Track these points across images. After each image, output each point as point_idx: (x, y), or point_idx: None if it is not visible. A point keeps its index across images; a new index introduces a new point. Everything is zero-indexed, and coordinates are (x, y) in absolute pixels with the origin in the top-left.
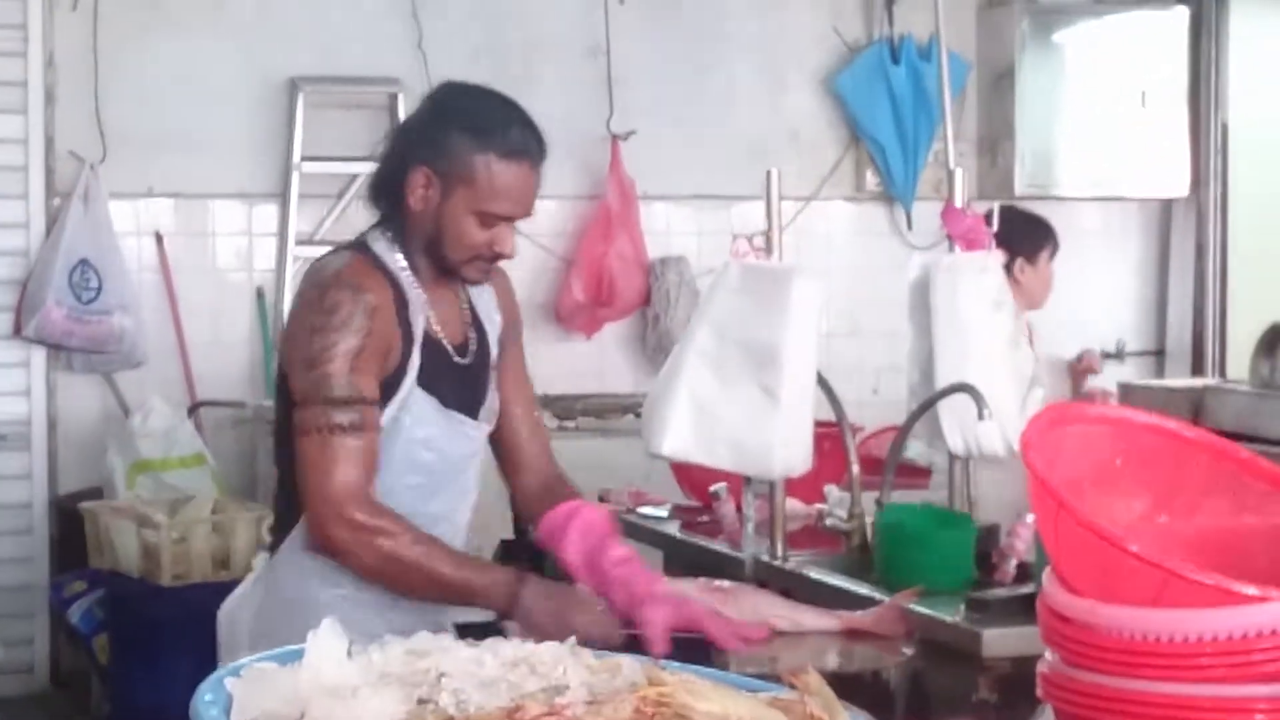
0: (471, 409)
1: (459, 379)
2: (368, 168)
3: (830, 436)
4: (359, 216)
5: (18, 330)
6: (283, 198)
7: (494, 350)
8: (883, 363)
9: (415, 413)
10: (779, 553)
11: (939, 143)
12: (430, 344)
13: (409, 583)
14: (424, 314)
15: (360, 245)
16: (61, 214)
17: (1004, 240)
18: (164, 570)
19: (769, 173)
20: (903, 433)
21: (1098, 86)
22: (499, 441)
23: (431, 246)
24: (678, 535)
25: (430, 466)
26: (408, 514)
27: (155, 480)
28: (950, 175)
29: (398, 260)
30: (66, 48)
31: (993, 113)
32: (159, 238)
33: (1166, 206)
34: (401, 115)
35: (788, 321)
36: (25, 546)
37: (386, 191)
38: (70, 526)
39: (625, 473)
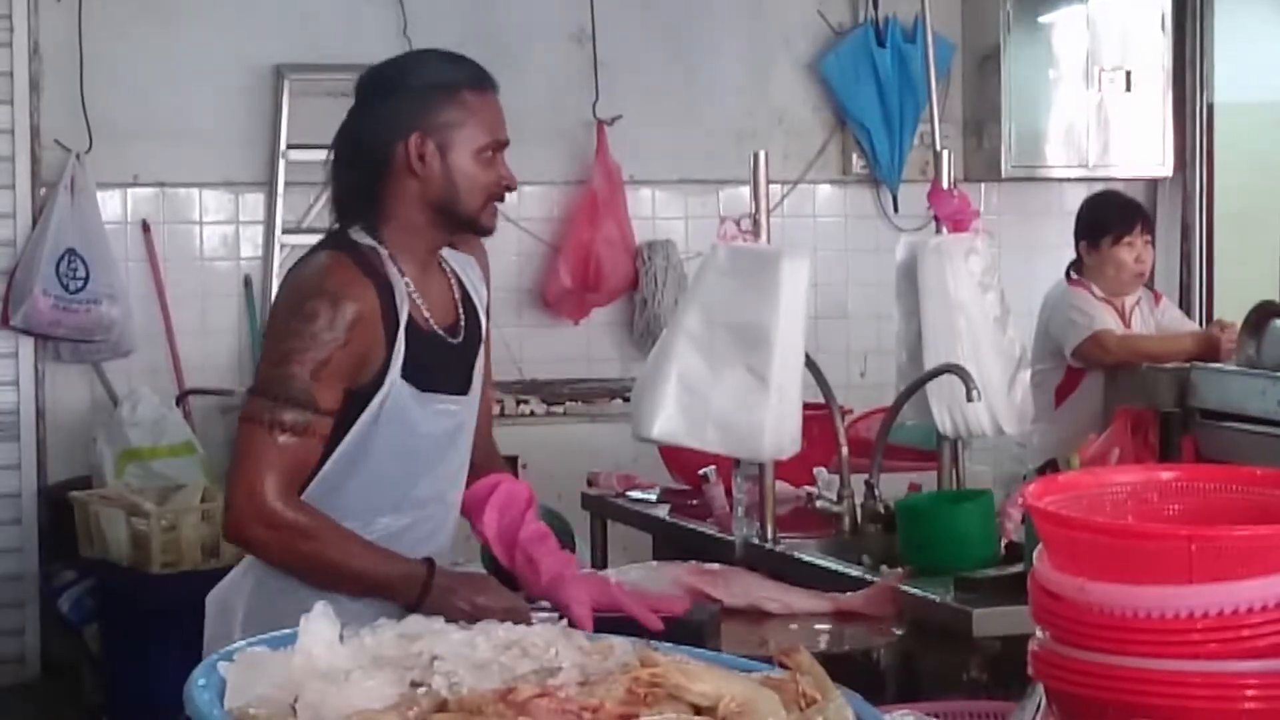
0: (459, 386)
1: (449, 360)
2: None
3: (819, 419)
4: None
5: (5, 320)
6: (269, 186)
7: (484, 322)
8: (870, 345)
9: (394, 402)
10: (769, 535)
11: (925, 125)
12: (416, 334)
13: (322, 579)
14: (408, 306)
15: (343, 241)
16: (48, 204)
17: (1077, 225)
18: (154, 559)
19: (756, 155)
20: (891, 414)
21: (1083, 67)
22: None
23: (445, 208)
24: (667, 518)
25: (414, 450)
26: (397, 500)
27: (144, 469)
28: (936, 157)
29: (381, 253)
30: (51, 37)
31: (978, 94)
32: (145, 227)
33: (1152, 187)
34: None
35: (776, 303)
36: (15, 536)
37: (360, 191)
38: (60, 516)
39: (614, 457)
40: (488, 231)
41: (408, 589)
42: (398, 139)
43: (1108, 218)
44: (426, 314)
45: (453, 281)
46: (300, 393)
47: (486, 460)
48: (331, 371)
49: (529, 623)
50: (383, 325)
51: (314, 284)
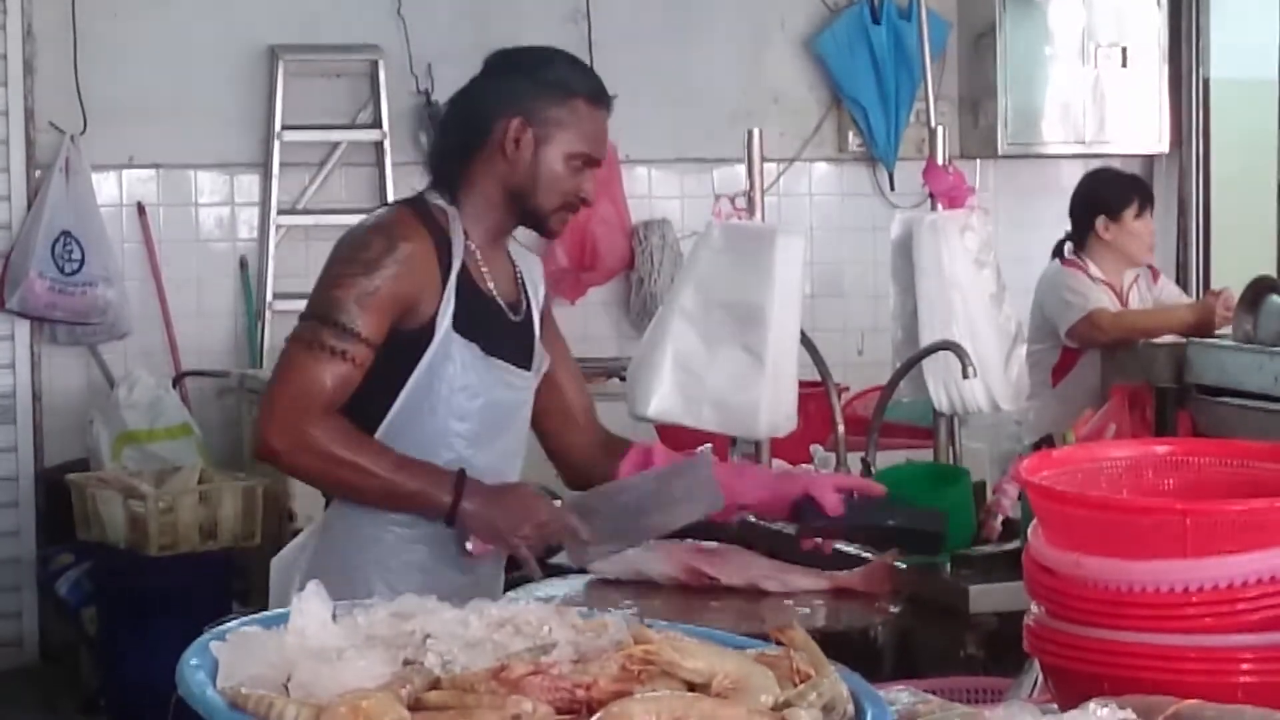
0: (521, 360)
1: (511, 334)
2: (349, 135)
3: (815, 397)
4: (341, 185)
5: (1, 303)
6: (264, 167)
7: (537, 314)
8: (867, 323)
9: (456, 359)
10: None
11: (921, 102)
12: (474, 294)
13: (347, 486)
14: (465, 264)
15: (413, 199)
16: (43, 186)
17: (1087, 203)
18: (151, 541)
19: (751, 132)
20: (887, 392)
21: (1079, 44)
22: (549, 407)
23: (520, 197)
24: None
25: (477, 414)
26: (457, 463)
27: (141, 451)
28: (932, 134)
29: (450, 212)
30: (45, 19)
31: (974, 71)
32: (141, 208)
33: (1148, 162)
34: (383, 83)
35: (771, 281)
36: (12, 519)
37: (453, 155)
38: (57, 499)
39: None
40: (553, 234)
41: (436, 496)
42: (501, 116)
43: (1132, 190)
44: (490, 283)
45: (517, 269)
46: (347, 318)
47: (611, 438)
48: (379, 302)
49: (565, 537)
50: (438, 274)
51: (372, 224)
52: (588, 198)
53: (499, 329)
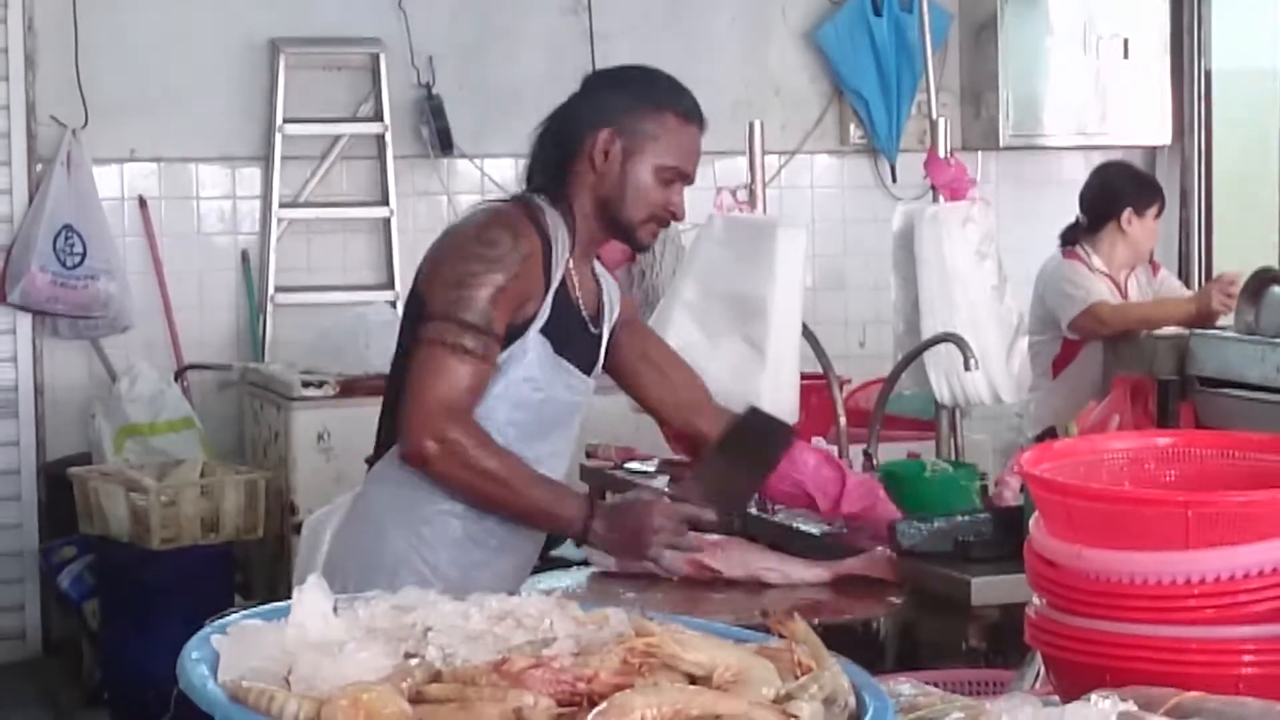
0: (586, 367)
1: (585, 342)
2: (351, 129)
3: (817, 389)
4: (342, 178)
5: (3, 297)
6: (266, 160)
7: (608, 331)
8: (868, 315)
9: (530, 352)
10: (767, 506)
11: (922, 94)
12: (565, 299)
13: (489, 498)
14: (563, 270)
15: (520, 198)
16: (44, 180)
17: (1113, 194)
18: (153, 534)
19: (752, 124)
20: (889, 384)
21: (1080, 35)
22: (672, 407)
23: (609, 208)
24: (666, 490)
25: (536, 408)
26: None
27: (143, 445)
28: (933, 126)
29: (555, 218)
30: (46, 12)
31: (976, 63)
32: (142, 202)
33: (1150, 154)
34: (384, 76)
35: (772, 274)
36: (14, 513)
37: (548, 166)
38: (59, 492)
39: (612, 428)
40: (642, 246)
41: (570, 518)
42: (592, 129)
43: (1154, 189)
44: (578, 292)
45: (601, 285)
46: (480, 317)
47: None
48: (507, 299)
49: (708, 522)
50: (543, 276)
51: (492, 218)
52: (677, 212)
53: (577, 335)
